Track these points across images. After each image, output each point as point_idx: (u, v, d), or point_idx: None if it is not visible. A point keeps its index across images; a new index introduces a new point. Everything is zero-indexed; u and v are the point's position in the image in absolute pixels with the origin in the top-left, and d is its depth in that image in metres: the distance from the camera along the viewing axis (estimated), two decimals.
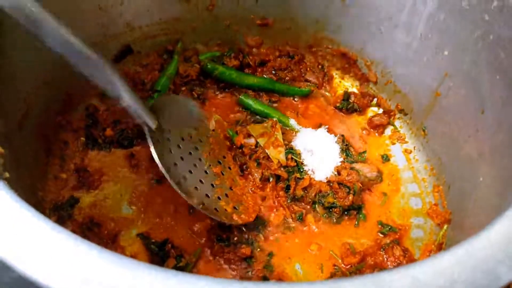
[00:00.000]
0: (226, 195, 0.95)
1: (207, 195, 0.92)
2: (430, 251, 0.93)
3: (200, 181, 0.94)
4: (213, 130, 1.04)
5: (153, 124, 0.89)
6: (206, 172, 0.96)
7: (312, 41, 1.18)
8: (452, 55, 0.91)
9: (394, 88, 1.11)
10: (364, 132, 1.13)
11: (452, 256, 0.47)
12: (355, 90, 1.19)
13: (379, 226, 0.97)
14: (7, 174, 0.69)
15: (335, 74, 1.21)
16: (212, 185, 0.95)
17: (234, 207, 0.95)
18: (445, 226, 0.93)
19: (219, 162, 1.00)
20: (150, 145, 0.87)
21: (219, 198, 0.94)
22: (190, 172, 0.93)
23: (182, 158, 0.94)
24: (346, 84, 1.21)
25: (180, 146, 0.95)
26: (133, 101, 0.82)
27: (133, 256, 0.88)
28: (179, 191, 0.88)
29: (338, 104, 1.16)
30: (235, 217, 0.93)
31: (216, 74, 1.15)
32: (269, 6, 1.13)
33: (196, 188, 0.92)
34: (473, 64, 0.86)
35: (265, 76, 1.19)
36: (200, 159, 0.97)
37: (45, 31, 0.68)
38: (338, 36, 1.14)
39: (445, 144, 0.98)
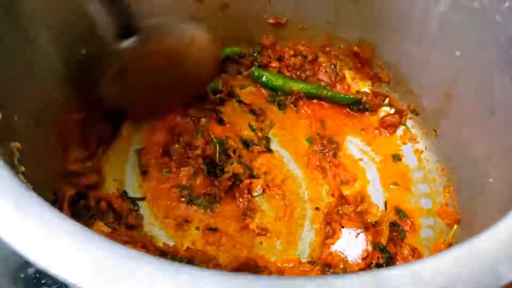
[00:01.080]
0: None
1: None
2: (440, 251, 0.93)
3: None
4: None
5: None
6: None
7: (325, 40, 1.18)
8: (463, 56, 0.91)
9: (406, 88, 1.11)
10: (376, 131, 1.14)
11: (453, 255, 0.48)
12: (367, 90, 1.19)
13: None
14: (23, 168, 0.71)
15: (348, 73, 1.21)
16: None
17: None
18: (455, 227, 0.93)
19: None
20: None
21: None
22: None
23: None
24: (359, 84, 1.21)
25: None
26: None
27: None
28: None
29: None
30: None
31: (262, 81, 1.17)
32: (282, 6, 1.13)
33: None
34: (485, 65, 0.86)
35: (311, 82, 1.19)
36: None
37: None
38: (350, 36, 1.14)
39: (456, 145, 0.98)
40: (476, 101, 0.90)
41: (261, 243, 0.95)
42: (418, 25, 0.98)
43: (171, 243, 0.92)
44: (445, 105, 1.00)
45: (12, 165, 0.67)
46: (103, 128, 1.01)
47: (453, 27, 0.91)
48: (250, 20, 1.17)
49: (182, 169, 1.01)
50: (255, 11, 1.14)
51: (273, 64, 1.20)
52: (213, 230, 0.95)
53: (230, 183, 0.98)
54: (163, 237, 0.93)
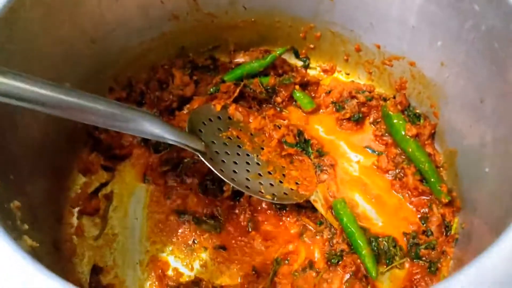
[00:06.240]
0: (284, 175, 1.00)
1: (271, 185, 0.98)
2: None
3: (259, 174, 0.98)
4: (230, 118, 1.06)
5: (201, 147, 0.93)
6: (258, 164, 1.00)
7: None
8: (446, 45, 0.91)
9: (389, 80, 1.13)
10: None
11: (465, 277, 0.49)
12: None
13: None
14: (26, 226, 0.71)
15: None
16: (269, 172, 1.00)
17: (296, 183, 1.00)
18: (456, 219, 0.95)
19: (262, 148, 1.04)
20: (210, 167, 0.92)
21: (280, 182, 0.99)
22: (248, 171, 0.98)
23: (235, 163, 0.98)
24: None
25: (228, 152, 0.99)
26: (176, 137, 0.86)
27: None
28: (256, 196, 0.94)
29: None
30: (302, 191, 0.99)
31: None
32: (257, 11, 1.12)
33: (260, 183, 0.97)
34: (468, 54, 0.86)
35: None
36: (247, 155, 1.01)
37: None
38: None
39: (449, 133, 1.00)
40: (463, 89, 0.91)
41: (267, 247, 0.97)
42: (397, 17, 0.98)
43: (181, 267, 0.94)
44: (432, 94, 1.01)
45: (14, 229, 0.67)
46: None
47: (432, 18, 0.91)
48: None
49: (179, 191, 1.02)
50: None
51: None
52: (222, 248, 0.96)
53: (231, 202, 1.00)
54: (172, 262, 0.94)
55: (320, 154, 1.07)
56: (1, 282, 0.48)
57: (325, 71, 1.21)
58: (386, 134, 1.08)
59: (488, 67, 0.82)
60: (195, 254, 0.95)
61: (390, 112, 1.05)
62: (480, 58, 0.84)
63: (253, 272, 0.93)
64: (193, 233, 0.97)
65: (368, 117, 1.12)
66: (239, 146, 1.01)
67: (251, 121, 1.08)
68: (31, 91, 0.66)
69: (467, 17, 0.84)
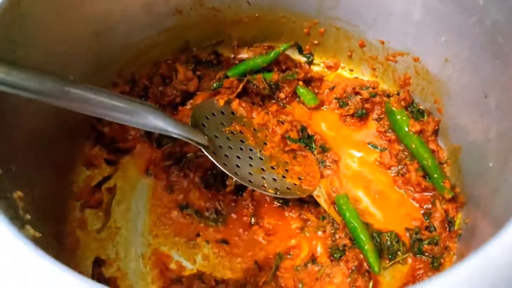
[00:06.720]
0: (287, 170, 1.00)
1: (274, 179, 0.98)
2: None
3: (262, 169, 0.99)
4: (233, 113, 1.06)
5: (204, 141, 0.94)
6: (261, 158, 1.00)
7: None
8: (450, 41, 0.91)
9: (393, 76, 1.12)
10: None
11: (470, 267, 0.49)
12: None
13: None
14: (28, 216, 0.71)
15: None
16: (272, 167, 1.00)
17: (300, 178, 1.00)
18: (459, 215, 0.94)
19: (265, 143, 1.04)
20: (213, 161, 0.93)
21: (283, 177, 0.99)
22: (251, 165, 0.98)
23: (238, 157, 0.98)
24: None
25: (231, 146, 0.99)
26: (179, 131, 0.88)
27: None
28: (259, 190, 0.95)
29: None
30: (305, 186, 0.99)
31: None
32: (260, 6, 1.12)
33: (263, 178, 0.97)
34: (472, 49, 0.86)
35: None
36: (250, 149, 1.01)
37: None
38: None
39: (452, 129, 0.99)
40: (467, 85, 0.91)
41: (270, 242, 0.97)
42: (401, 13, 0.97)
43: (183, 260, 0.94)
44: (436, 89, 1.00)
45: (17, 218, 0.67)
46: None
47: (436, 13, 0.91)
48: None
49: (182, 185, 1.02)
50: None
51: None
52: (224, 242, 0.96)
53: (234, 196, 1.00)
54: (175, 256, 0.94)
55: (324, 149, 1.07)
56: (2, 268, 0.48)
57: (328, 67, 1.21)
58: (390, 130, 1.08)
59: (492, 62, 0.82)
60: (198, 247, 0.95)
61: (393, 108, 1.05)
62: (484, 53, 0.84)
63: (255, 266, 0.93)
64: (196, 227, 0.97)
65: (371, 113, 1.12)
66: (242, 141, 1.02)
67: (254, 116, 1.08)
68: (38, 82, 0.68)
69: (471, 12, 0.84)
